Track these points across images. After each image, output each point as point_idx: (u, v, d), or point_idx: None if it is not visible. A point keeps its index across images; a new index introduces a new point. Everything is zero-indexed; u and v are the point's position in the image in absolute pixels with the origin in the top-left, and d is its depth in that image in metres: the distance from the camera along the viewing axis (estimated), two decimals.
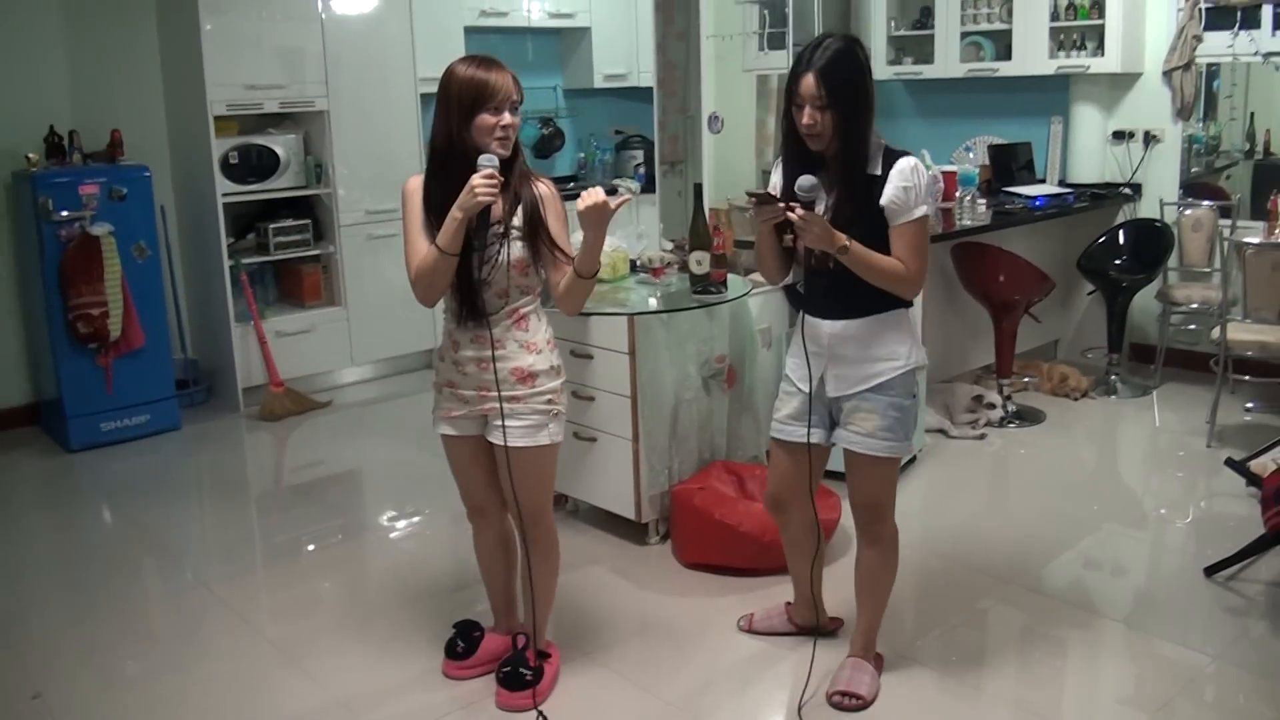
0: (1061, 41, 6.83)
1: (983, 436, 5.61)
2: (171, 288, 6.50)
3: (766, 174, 6.95)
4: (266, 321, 6.50)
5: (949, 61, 7.21)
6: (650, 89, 8.01)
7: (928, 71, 7.36)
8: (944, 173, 6.21)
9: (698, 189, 4.49)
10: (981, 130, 7.39)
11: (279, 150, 6.50)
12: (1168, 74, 6.58)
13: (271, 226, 6.55)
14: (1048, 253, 6.47)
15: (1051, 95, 7.07)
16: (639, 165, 8.42)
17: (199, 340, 6.68)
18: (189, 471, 5.52)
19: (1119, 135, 6.83)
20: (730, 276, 4.48)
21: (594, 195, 2.84)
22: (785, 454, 3.21)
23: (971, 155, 7.28)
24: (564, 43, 8.31)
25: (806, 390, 3.08)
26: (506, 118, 2.95)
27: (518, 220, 3.02)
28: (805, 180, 2.77)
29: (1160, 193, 6.69)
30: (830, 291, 2.96)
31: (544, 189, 3.05)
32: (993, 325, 5.87)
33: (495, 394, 3.05)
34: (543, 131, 8.12)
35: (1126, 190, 6.76)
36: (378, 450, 5.75)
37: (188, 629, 3.85)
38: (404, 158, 6.94)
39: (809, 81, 2.79)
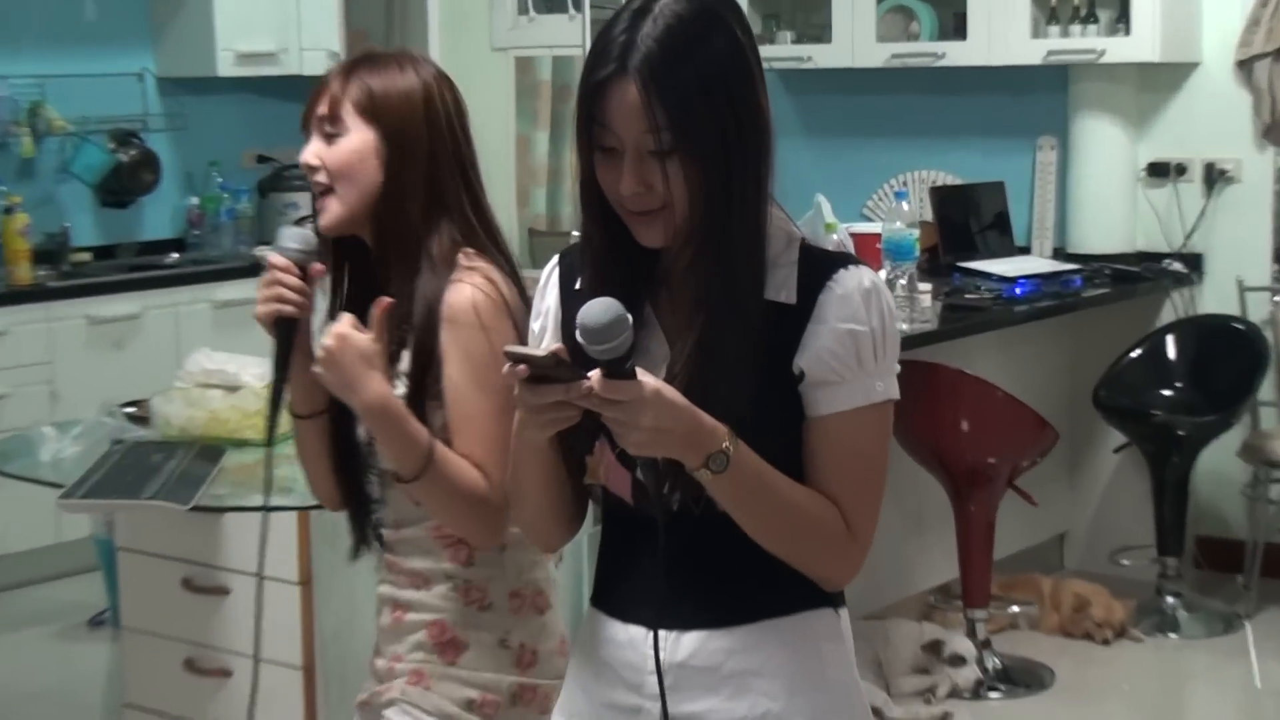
0: (1055, 10, 7.04)
1: (946, 717, 5.64)
2: None
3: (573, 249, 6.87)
4: None
5: (858, 41, 7.33)
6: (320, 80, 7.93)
7: (821, 57, 7.45)
8: (855, 236, 6.26)
9: None
10: (918, 161, 7.53)
11: None
12: (1244, 65, 6.83)
13: None
14: (1041, 379, 6.59)
15: (1039, 101, 7.27)
16: (302, 220, 8.24)
17: None
18: None
19: (1158, 170, 7.07)
20: None
21: (334, 333, 2.75)
22: None
23: (904, 205, 7.32)
24: None
25: None
26: (311, 146, 2.92)
27: (404, 361, 2.92)
28: (598, 309, 2.33)
29: (1238, 269, 6.89)
30: (681, 565, 2.57)
31: (466, 296, 2.92)
32: (953, 511, 5.91)
33: (405, 665, 3.07)
34: (117, 157, 7.97)
35: (1176, 266, 6.95)
36: None
37: None
38: None
39: (629, 98, 2.45)
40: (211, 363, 4.54)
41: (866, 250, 6.25)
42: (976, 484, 5.83)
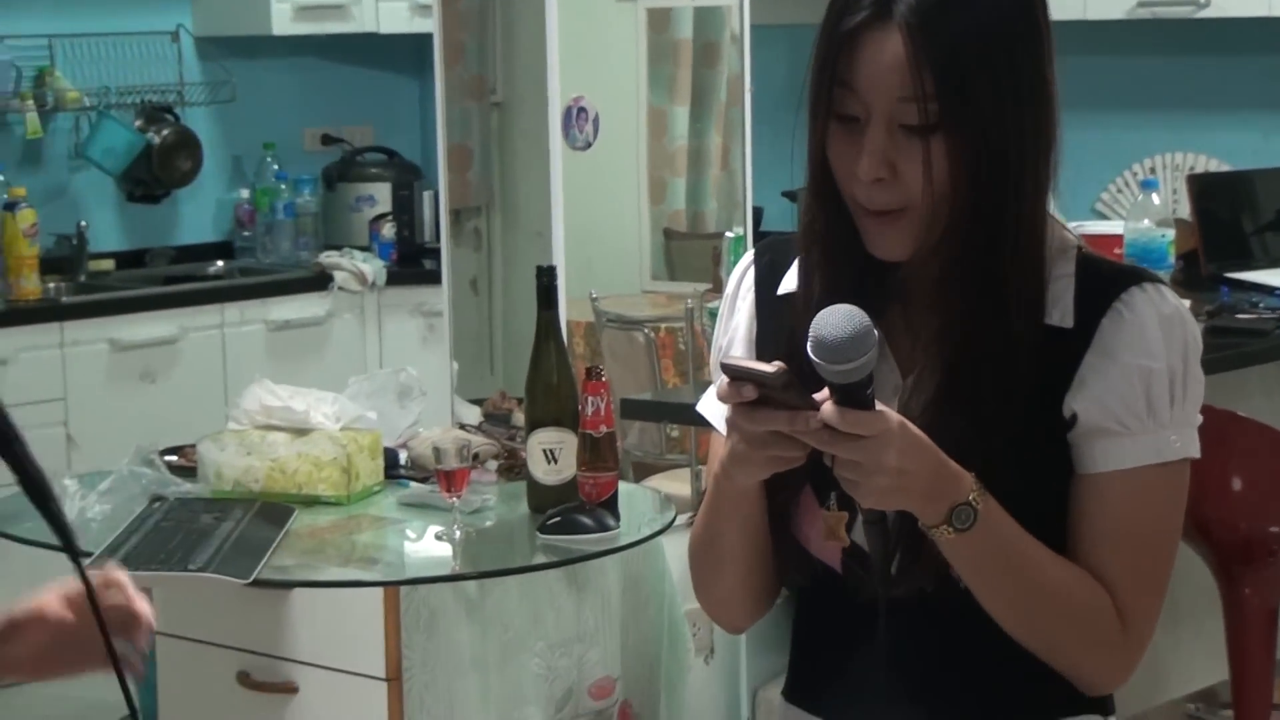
0: None
1: None
2: None
3: (714, 247, 6.99)
4: None
5: None
6: (406, 40, 8.24)
7: None
8: (1087, 239, 6.26)
9: (545, 281, 4.50)
10: (1173, 141, 7.63)
11: None
12: None
13: None
14: None
15: None
16: (380, 219, 8.56)
17: None
18: None
19: None
20: (624, 489, 4.52)
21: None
22: None
23: (1154, 198, 7.39)
24: None
25: None
26: None
27: None
28: (839, 319, 2.31)
29: None
30: (907, 654, 2.63)
31: None
32: (1221, 596, 5.95)
33: None
34: (146, 138, 8.11)
35: None
36: None
37: None
38: None
39: (889, 53, 2.44)
40: (274, 398, 4.58)
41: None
42: (1254, 560, 5.81)
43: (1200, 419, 2.55)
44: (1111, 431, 2.49)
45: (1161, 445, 2.50)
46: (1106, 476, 2.50)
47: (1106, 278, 2.53)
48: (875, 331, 2.25)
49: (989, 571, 2.45)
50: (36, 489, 2.54)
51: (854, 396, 2.26)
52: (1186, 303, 2.52)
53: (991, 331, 2.47)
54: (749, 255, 2.76)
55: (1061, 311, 2.50)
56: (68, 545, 2.61)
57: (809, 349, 2.25)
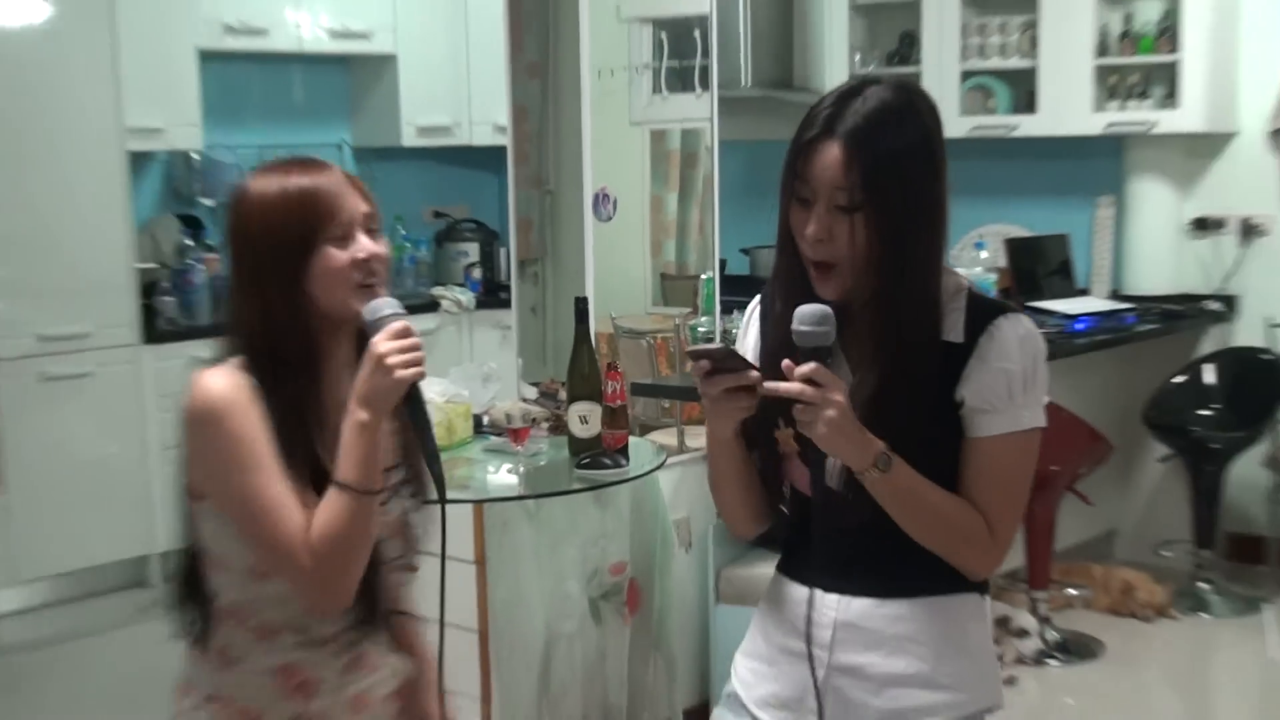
0: (1114, 87, 7.13)
1: (1011, 680, 5.74)
2: None
3: (690, 282, 7.06)
4: None
5: (945, 114, 7.21)
6: (490, 149, 8.07)
7: None
8: None
9: (580, 306, 4.58)
10: (994, 216, 7.60)
11: None
12: (1276, 135, 6.87)
13: None
14: (1098, 400, 6.65)
15: (1098, 165, 7.34)
16: (471, 266, 8.60)
17: None
18: None
19: (1201, 224, 7.12)
20: (632, 441, 4.57)
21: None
22: None
23: (983, 254, 7.45)
24: (354, 77, 8.47)
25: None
26: (367, 243, 2.58)
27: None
28: (809, 310, 2.48)
29: (1267, 309, 6.96)
30: (850, 545, 2.67)
31: None
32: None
33: None
34: None
35: (1215, 305, 7.03)
36: None
37: None
38: (102, 253, 6.87)
39: (831, 157, 2.50)
40: None
41: None
42: (1040, 488, 5.73)
43: (1046, 400, 2.61)
44: (985, 410, 2.56)
45: (1017, 419, 2.57)
46: (983, 440, 2.57)
47: (986, 309, 2.60)
48: (834, 317, 2.42)
49: (901, 501, 2.53)
50: (429, 452, 2.68)
51: (819, 358, 2.41)
52: (1032, 325, 2.62)
53: (904, 347, 2.54)
54: (757, 298, 2.80)
55: (955, 331, 2.56)
56: (440, 492, 2.74)
57: (792, 326, 2.42)
